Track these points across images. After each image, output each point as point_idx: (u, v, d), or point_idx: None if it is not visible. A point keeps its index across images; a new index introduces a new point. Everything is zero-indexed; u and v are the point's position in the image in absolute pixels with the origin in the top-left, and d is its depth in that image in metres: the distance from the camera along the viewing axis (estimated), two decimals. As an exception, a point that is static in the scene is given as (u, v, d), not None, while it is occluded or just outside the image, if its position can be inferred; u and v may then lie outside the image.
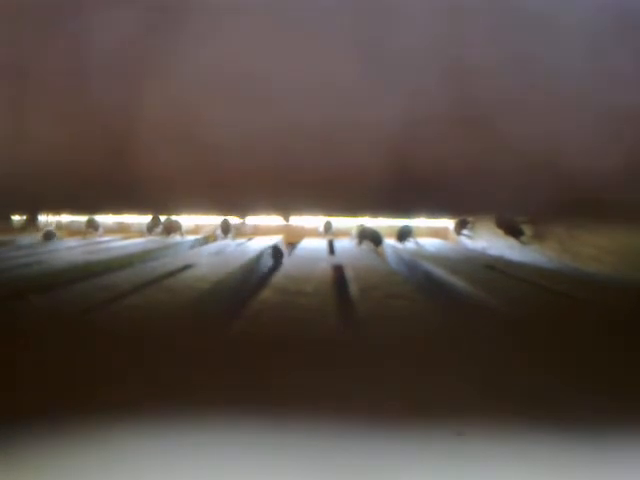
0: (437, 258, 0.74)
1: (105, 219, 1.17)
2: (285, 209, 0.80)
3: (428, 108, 0.21)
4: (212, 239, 1.10)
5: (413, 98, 0.20)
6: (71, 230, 1.16)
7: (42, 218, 1.09)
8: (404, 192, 0.34)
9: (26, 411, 0.20)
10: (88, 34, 0.18)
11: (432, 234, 1.17)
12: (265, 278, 0.59)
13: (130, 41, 0.18)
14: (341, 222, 1.16)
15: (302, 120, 0.22)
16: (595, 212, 0.46)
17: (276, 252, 0.78)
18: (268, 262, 0.76)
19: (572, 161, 0.25)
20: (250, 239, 1.05)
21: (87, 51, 0.18)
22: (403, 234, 0.97)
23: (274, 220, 1.18)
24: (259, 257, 0.75)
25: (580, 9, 0.17)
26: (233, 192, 0.41)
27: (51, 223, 1.13)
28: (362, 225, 0.97)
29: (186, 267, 0.60)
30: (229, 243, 0.97)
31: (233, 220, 1.09)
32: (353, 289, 0.47)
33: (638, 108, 0.20)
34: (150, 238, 1.05)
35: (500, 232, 0.79)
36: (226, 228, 1.07)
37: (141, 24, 0.17)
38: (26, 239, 0.98)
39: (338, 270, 0.61)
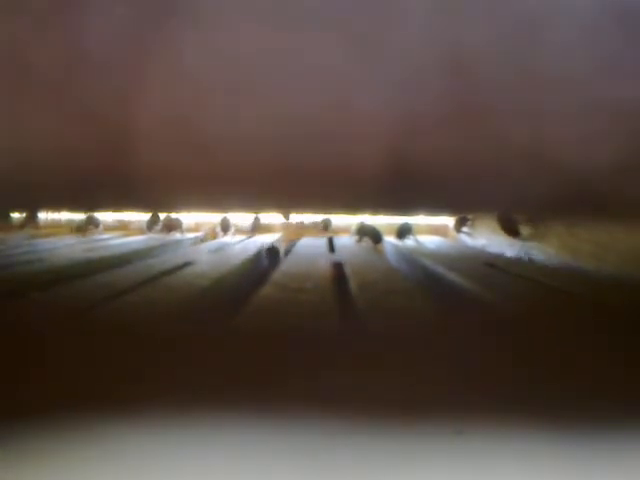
0: (437, 255, 0.74)
1: (105, 216, 1.17)
2: (285, 206, 0.80)
3: (428, 106, 0.21)
4: (212, 237, 1.10)
5: (413, 96, 0.20)
6: (71, 227, 1.15)
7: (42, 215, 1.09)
8: (404, 189, 0.34)
9: (26, 409, 0.20)
10: (87, 29, 0.18)
11: (432, 231, 1.17)
12: (265, 275, 0.59)
13: (128, 38, 0.18)
14: (341, 220, 1.16)
15: (302, 118, 0.22)
16: (595, 209, 0.46)
17: (272, 252, 0.77)
18: (264, 262, 0.76)
19: (572, 157, 0.25)
20: (250, 237, 1.05)
21: (86, 48, 0.18)
22: (403, 231, 0.97)
23: (274, 218, 1.18)
24: (258, 255, 0.75)
25: (582, 2, 0.16)
26: (233, 190, 0.41)
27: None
28: (362, 222, 0.97)
29: (186, 264, 0.60)
30: (229, 241, 0.97)
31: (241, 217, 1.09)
32: (353, 286, 0.48)
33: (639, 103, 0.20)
34: (150, 236, 1.05)
35: (500, 230, 0.79)
36: (226, 226, 1.07)
37: (139, 19, 0.17)
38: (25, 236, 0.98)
39: (338, 267, 0.61)
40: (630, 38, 0.17)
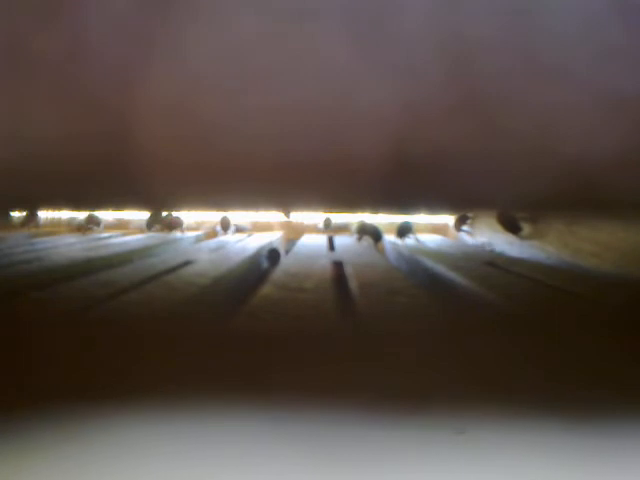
0: (437, 254, 0.74)
1: (105, 215, 1.17)
2: (285, 205, 0.80)
3: (428, 104, 0.21)
4: (212, 236, 1.10)
5: (413, 95, 0.20)
6: (72, 226, 1.15)
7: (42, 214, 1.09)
8: (404, 187, 0.34)
9: (26, 407, 0.20)
10: (85, 22, 0.18)
11: (432, 230, 1.16)
12: (265, 274, 0.59)
13: (128, 35, 0.18)
14: (341, 218, 1.16)
15: (302, 116, 0.22)
16: (596, 207, 0.46)
17: (273, 256, 0.77)
18: (265, 264, 0.75)
19: (572, 156, 0.25)
20: (250, 235, 1.05)
21: (86, 44, 0.18)
22: (403, 230, 0.97)
23: (274, 216, 1.18)
24: (259, 254, 0.75)
25: None
26: (233, 188, 0.41)
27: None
28: (362, 221, 0.97)
29: (186, 263, 0.60)
30: (229, 239, 0.97)
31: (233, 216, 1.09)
32: (353, 285, 0.47)
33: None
34: (150, 234, 1.05)
35: (500, 228, 0.79)
36: (226, 225, 1.07)
37: (139, 13, 0.17)
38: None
39: (338, 266, 0.61)
40: (636, 28, 0.17)
